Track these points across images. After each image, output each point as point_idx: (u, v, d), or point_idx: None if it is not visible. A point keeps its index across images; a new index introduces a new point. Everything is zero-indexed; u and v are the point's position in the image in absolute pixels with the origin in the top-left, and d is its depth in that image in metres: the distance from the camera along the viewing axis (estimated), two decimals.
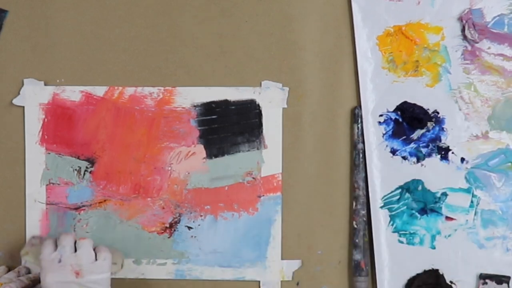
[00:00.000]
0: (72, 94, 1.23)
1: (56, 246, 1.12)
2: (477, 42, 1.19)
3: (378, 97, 1.21)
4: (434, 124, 1.21)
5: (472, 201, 1.20)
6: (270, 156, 1.22)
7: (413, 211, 1.21)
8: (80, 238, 1.13)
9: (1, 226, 1.24)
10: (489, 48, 1.19)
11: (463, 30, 1.19)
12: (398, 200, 1.21)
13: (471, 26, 1.18)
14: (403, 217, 1.21)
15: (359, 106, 1.21)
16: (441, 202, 1.20)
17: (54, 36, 1.23)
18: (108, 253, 1.12)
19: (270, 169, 1.22)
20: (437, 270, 1.20)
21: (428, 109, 1.21)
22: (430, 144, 1.21)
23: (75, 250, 1.12)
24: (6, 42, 1.23)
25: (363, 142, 1.21)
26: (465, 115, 1.20)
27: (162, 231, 1.23)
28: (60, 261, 1.10)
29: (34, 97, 1.23)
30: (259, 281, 1.23)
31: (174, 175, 1.23)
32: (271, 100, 1.22)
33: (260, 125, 1.22)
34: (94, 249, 1.13)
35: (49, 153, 1.23)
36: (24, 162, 1.23)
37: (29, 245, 1.19)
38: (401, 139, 1.21)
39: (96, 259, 1.11)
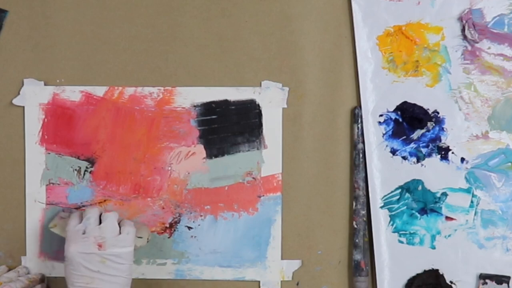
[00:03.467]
0: (72, 94, 1.23)
1: (81, 219, 1.14)
2: (477, 42, 1.19)
3: (378, 97, 1.21)
4: (434, 124, 1.21)
5: (472, 201, 1.20)
6: (270, 156, 1.22)
7: (413, 211, 1.21)
8: (106, 211, 1.15)
9: (1, 226, 1.24)
10: (489, 48, 1.19)
11: (463, 30, 1.19)
12: (398, 200, 1.21)
13: (471, 26, 1.18)
14: (403, 217, 1.21)
15: (359, 106, 1.21)
16: (441, 202, 1.20)
17: (54, 36, 1.23)
18: (132, 228, 1.13)
19: (270, 169, 1.22)
20: (437, 270, 1.20)
21: (428, 109, 1.21)
22: (430, 144, 1.21)
23: (100, 223, 1.13)
24: (6, 42, 1.23)
25: (363, 142, 1.21)
26: (465, 115, 1.20)
27: (162, 231, 1.23)
28: (84, 233, 1.11)
29: (34, 97, 1.23)
30: (259, 281, 1.23)
31: (174, 175, 1.23)
32: (271, 100, 1.22)
33: (260, 125, 1.22)
34: (119, 223, 1.14)
35: (49, 153, 1.23)
36: (24, 162, 1.23)
37: (58, 218, 1.20)
38: (401, 139, 1.21)
39: (120, 233, 1.12)
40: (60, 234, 1.17)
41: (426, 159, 1.21)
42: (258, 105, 1.22)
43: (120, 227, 1.13)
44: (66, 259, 1.11)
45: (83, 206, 1.23)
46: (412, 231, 1.21)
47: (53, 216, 1.22)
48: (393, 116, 1.21)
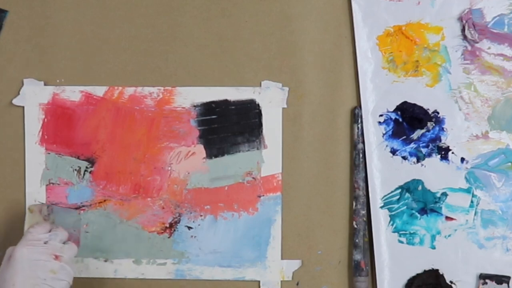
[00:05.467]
0: (72, 94, 1.23)
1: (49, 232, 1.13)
2: (477, 42, 1.19)
3: (378, 97, 1.21)
4: (434, 124, 1.21)
5: (472, 201, 1.20)
6: (270, 156, 1.22)
7: (413, 211, 1.21)
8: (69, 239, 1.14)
9: (1, 226, 1.24)
10: (489, 48, 1.19)
11: (463, 30, 1.19)
12: (398, 200, 1.21)
13: (471, 26, 1.18)
14: (403, 217, 1.21)
15: (359, 106, 1.21)
16: (441, 202, 1.20)
17: (54, 36, 1.23)
18: (69, 269, 1.11)
19: (270, 169, 1.22)
20: (437, 270, 1.20)
21: (428, 109, 1.21)
22: (430, 144, 1.21)
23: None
24: (6, 42, 1.23)
25: (363, 142, 1.21)
26: (465, 115, 1.20)
27: (162, 231, 1.23)
28: (46, 243, 1.10)
29: (34, 97, 1.23)
30: (259, 281, 1.23)
31: (174, 175, 1.23)
32: (271, 100, 1.22)
33: (260, 125, 1.22)
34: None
35: (49, 153, 1.23)
36: (24, 162, 1.23)
37: (38, 209, 1.19)
38: (401, 139, 1.21)
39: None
40: (25, 223, 1.16)
41: (426, 159, 1.21)
42: (258, 105, 1.22)
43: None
44: (11, 259, 1.07)
45: (83, 206, 1.23)
46: (412, 231, 1.21)
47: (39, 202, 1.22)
48: (393, 116, 1.21)
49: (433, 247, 1.21)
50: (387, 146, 1.21)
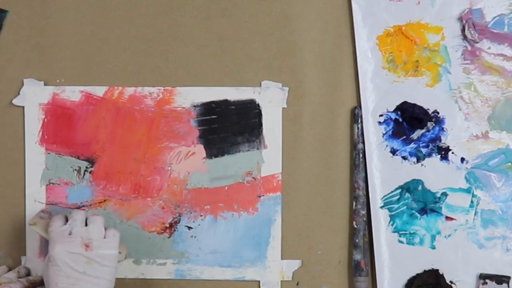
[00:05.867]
0: (72, 94, 1.23)
1: (66, 221, 1.13)
2: (477, 42, 1.19)
3: (378, 97, 1.21)
4: (434, 124, 1.21)
5: (472, 201, 1.20)
6: (270, 156, 1.22)
7: (413, 211, 1.21)
8: (93, 215, 1.14)
9: (1, 226, 1.24)
10: (489, 48, 1.19)
11: (463, 30, 1.19)
12: (398, 200, 1.21)
13: (471, 26, 1.18)
14: (403, 217, 1.21)
15: (359, 106, 1.21)
16: (441, 202, 1.20)
17: (54, 36, 1.23)
18: (117, 232, 1.13)
19: (270, 169, 1.22)
20: (437, 270, 1.20)
21: (428, 109, 1.21)
22: (430, 144, 1.21)
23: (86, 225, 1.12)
24: (6, 42, 1.23)
25: (363, 142, 1.21)
26: (465, 115, 1.20)
27: (162, 231, 1.23)
28: (71, 233, 1.11)
29: (34, 97, 1.23)
30: (259, 281, 1.23)
31: (174, 175, 1.23)
32: (271, 100, 1.22)
33: (260, 125, 1.22)
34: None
35: (49, 153, 1.23)
36: (24, 162, 1.23)
37: (38, 217, 1.18)
38: (401, 139, 1.21)
39: (105, 236, 1.12)
40: (40, 233, 1.16)
41: (426, 159, 1.21)
42: (258, 105, 1.22)
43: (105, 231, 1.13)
44: (49, 260, 1.09)
45: (83, 206, 1.23)
46: (412, 231, 1.21)
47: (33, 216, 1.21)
48: (393, 116, 1.21)
49: (433, 247, 1.21)
50: (387, 146, 1.21)
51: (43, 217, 1.19)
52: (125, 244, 1.19)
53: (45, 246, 1.23)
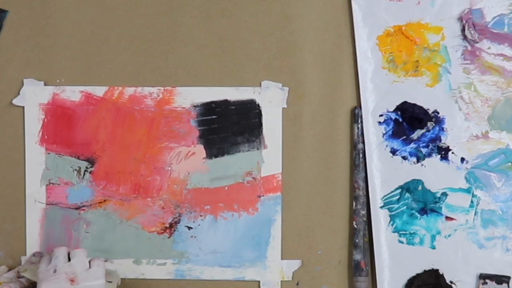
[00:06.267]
0: (72, 94, 1.23)
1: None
2: (477, 42, 1.19)
3: (378, 97, 1.21)
4: (434, 124, 1.21)
5: (472, 201, 1.20)
6: (270, 156, 1.22)
7: (413, 211, 1.21)
8: (74, 248, 1.14)
9: (1, 226, 1.24)
10: (489, 48, 1.19)
11: (463, 30, 1.19)
12: (398, 200, 1.21)
13: (471, 26, 1.18)
14: (403, 217, 1.21)
15: (359, 106, 1.21)
16: (441, 202, 1.20)
17: (54, 36, 1.23)
18: (102, 261, 1.13)
19: (270, 169, 1.22)
20: (437, 270, 1.20)
21: (428, 109, 1.21)
22: (430, 144, 1.21)
23: (69, 260, 1.12)
24: (6, 42, 1.23)
25: (363, 142, 1.21)
26: (465, 115, 1.20)
27: (162, 231, 1.23)
28: (55, 271, 1.11)
29: (34, 97, 1.23)
30: (259, 281, 1.23)
31: (174, 175, 1.23)
32: (271, 100, 1.22)
33: (260, 125, 1.22)
34: (89, 261, 1.13)
35: (49, 153, 1.23)
36: (24, 162, 1.23)
37: (29, 263, 1.20)
38: (401, 139, 1.21)
39: (90, 267, 1.12)
40: (31, 278, 1.16)
41: (426, 159, 1.21)
42: (258, 105, 1.22)
43: (90, 263, 1.13)
44: None
45: (83, 206, 1.23)
46: (412, 231, 1.21)
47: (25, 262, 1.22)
48: (393, 116, 1.21)
49: (433, 247, 1.21)
50: (387, 146, 1.21)
51: (34, 261, 1.19)
52: (116, 272, 1.19)
53: (45, 246, 1.23)
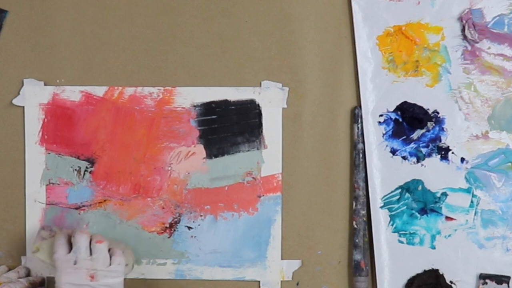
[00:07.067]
0: (72, 94, 1.23)
1: (69, 244, 1.13)
2: (477, 42, 1.19)
3: (378, 97, 1.21)
4: (434, 124, 1.21)
5: (472, 201, 1.20)
6: (270, 156, 1.22)
7: (413, 211, 1.21)
8: (97, 241, 1.13)
9: (1, 226, 1.24)
10: (489, 48, 1.19)
11: (463, 30, 1.19)
12: (398, 200, 1.21)
13: (471, 26, 1.18)
14: (403, 217, 1.21)
15: (359, 106, 1.21)
16: (441, 202, 1.20)
17: (54, 36, 1.23)
18: (123, 258, 1.13)
19: (270, 169, 1.22)
20: (437, 270, 1.20)
21: (428, 109, 1.21)
22: (430, 144, 1.21)
23: (90, 251, 1.12)
24: (6, 42, 1.23)
25: (363, 142, 1.21)
26: (465, 115, 1.20)
27: (162, 231, 1.23)
28: (76, 263, 1.10)
29: (34, 97, 1.23)
30: (259, 281, 1.23)
31: (174, 175, 1.23)
32: (271, 100, 1.22)
33: (260, 125, 1.22)
34: (109, 250, 1.13)
35: (49, 153, 1.23)
36: (24, 162, 1.23)
37: (40, 238, 1.17)
38: (401, 139, 1.21)
39: (110, 263, 1.11)
40: (45, 260, 1.15)
41: (426, 159, 1.21)
42: (258, 105, 1.22)
43: (110, 257, 1.12)
44: None
45: (83, 206, 1.23)
46: (412, 231, 1.21)
47: (34, 238, 1.20)
48: (393, 116, 1.21)
49: (433, 247, 1.21)
50: (387, 146, 1.21)
51: (45, 236, 1.18)
52: (131, 252, 1.18)
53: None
